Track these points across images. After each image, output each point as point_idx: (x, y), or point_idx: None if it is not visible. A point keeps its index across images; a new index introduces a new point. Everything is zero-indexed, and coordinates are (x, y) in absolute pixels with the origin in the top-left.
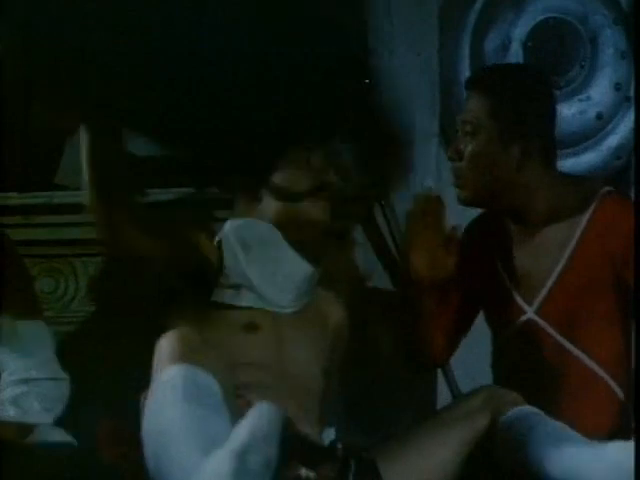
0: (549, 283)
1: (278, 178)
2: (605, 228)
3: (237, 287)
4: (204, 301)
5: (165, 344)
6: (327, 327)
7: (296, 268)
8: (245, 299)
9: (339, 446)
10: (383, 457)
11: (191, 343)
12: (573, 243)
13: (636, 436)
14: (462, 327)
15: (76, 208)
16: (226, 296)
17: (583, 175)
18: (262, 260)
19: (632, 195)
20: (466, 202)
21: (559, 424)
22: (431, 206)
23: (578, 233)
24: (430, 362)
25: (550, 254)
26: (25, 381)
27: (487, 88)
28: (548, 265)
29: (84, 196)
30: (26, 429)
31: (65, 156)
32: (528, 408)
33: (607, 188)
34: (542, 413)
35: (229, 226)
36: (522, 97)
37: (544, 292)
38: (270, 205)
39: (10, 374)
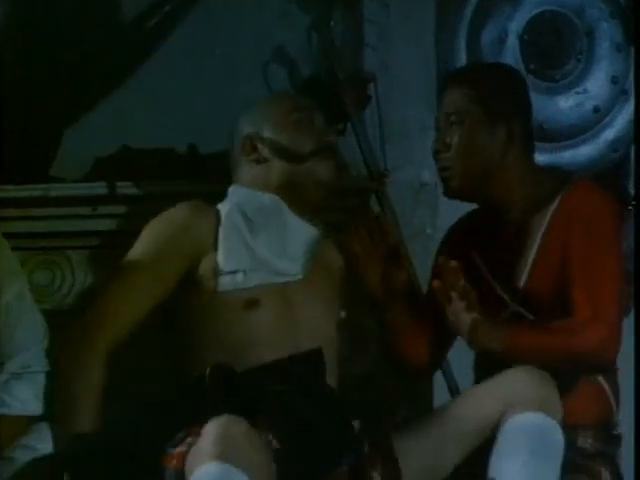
0: (524, 276)
1: (283, 139)
2: (570, 212)
3: (238, 271)
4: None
5: (210, 434)
6: (333, 274)
7: (303, 234)
8: (249, 280)
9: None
10: (398, 437)
11: (236, 439)
12: (542, 231)
13: (636, 436)
14: (447, 337)
15: (73, 200)
16: (228, 282)
17: (558, 167)
18: (269, 233)
19: (629, 188)
20: (454, 193)
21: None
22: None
23: (547, 221)
24: (415, 374)
25: (525, 245)
26: (22, 375)
27: (466, 79)
28: (524, 260)
29: (80, 189)
30: (22, 421)
31: (62, 148)
32: (528, 419)
33: (577, 175)
34: (544, 431)
35: (228, 207)
36: (501, 82)
37: (522, 285)
38: (275, 166)
39: (8, 367)
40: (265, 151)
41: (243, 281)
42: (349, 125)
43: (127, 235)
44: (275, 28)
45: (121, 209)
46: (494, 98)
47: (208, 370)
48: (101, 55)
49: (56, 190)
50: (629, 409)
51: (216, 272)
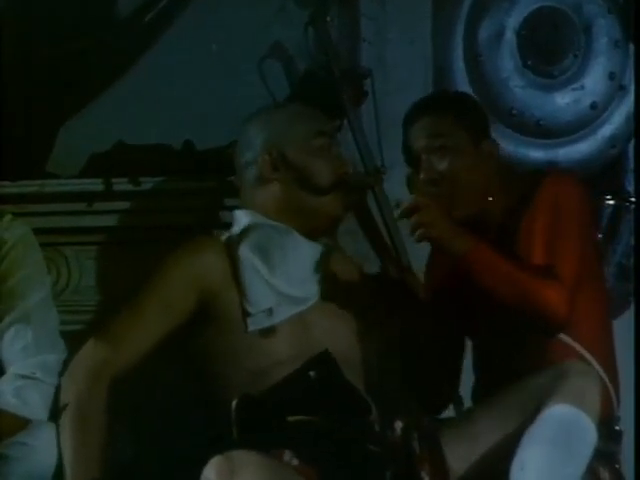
0: None
1: (307, 166)
2: (543, 203)
3: (265, 311)
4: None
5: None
6: (344, 286)
7: (313, 255)
8: (277, 316)
9: (399, 423)
10: (444, 429)
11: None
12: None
13: (636, 434)
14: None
15: (68, 197)
16: (258, 322)
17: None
18: (285, 264)
19: (627, 185)
20: (461, 219)
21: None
22: None
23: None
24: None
25: (510, 244)
26: (29, 378)
27: (437, 106)
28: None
29: (76, 185)
30: (22, 421)
31: (57, 144)
32: (559, 411)
33: (550, 169)
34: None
35: (243, 249)
36: (469, 101)
37: None
38: (292, 192)
39: (16, 369)
40: (285, 173)
41: (271, 318)
42: (345, 121)
43: (122, 231)
44: (272, 24)
45: (117, 205)
46: (472, 118)
47: (235, 402)
48: (97, 51)
49: (51, 186)
50: (629, 409)
51: (244, 313)
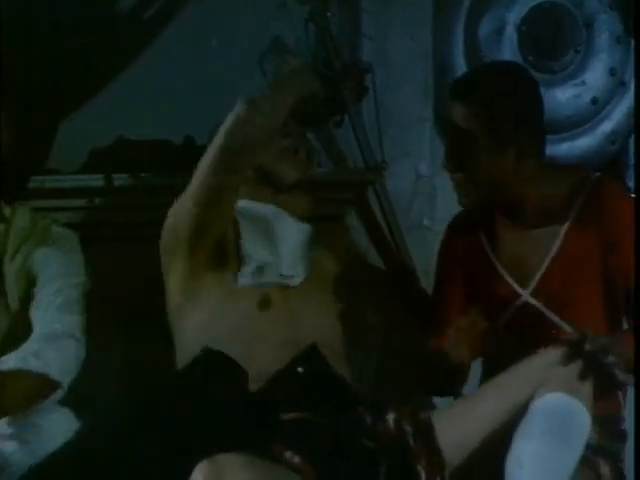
0: (543, 267)
1: (270, 165)
2: (597, 213)
3: (259, 268)
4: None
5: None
6: (325, 275)
7: (299, 233)
8: (268, 275)
9: (391, 414)
10: (439, 416)
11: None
12: (565, 228)
13: (636, 433)
14: None
15: (69, 192)
16: (249, 278)
17: (570, 163)
18: (271, 241)
19: (627, 181)
20: (469, 207)
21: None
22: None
23: (570, 219)
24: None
25: (543, 240)
26: (46, 336)
27: (476, 97)
28: (541, 250)
29: (77, 180)
30: (49, 386)
31: (58, 140)
32: (553, 401)
33: (597, 174)
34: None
35: (242, 209)
36: (511, 98)
37: (538, 275)
38: (260, 189)
39: (41, 327)
40: (251, 173)
41: (260, 276)
42: (346, 116)
43: (123, 227)
44: (272, 19)
45: (117, 201)
46: (504, 117)
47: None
48: (98, 46)
49: (52, 182)
50: (629, 408)
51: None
